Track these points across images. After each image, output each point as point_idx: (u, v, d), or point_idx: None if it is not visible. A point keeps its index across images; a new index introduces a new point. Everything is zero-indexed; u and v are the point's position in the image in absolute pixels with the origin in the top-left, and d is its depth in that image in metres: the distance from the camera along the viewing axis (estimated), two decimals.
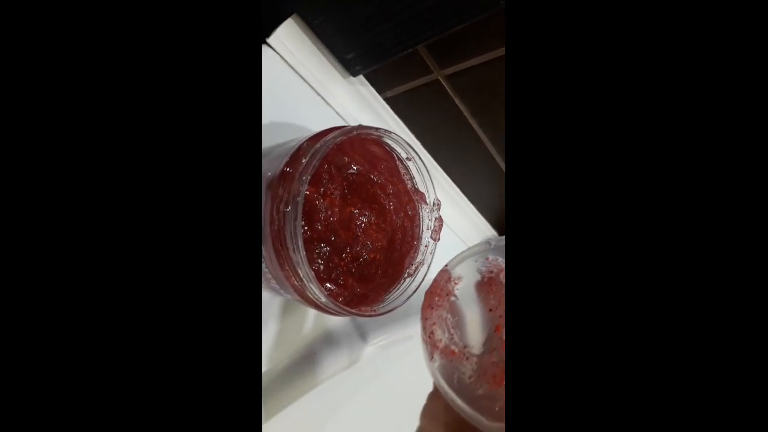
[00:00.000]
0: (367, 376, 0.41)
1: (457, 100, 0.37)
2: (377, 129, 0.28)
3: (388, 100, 0.40)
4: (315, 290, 0.25)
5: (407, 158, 0.32)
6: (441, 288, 0.26)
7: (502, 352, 0.22)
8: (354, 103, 0.40)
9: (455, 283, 0.26)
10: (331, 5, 0.32)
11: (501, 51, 0.31)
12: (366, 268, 0.29)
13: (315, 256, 0.27)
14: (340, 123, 0.39)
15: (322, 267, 0.27)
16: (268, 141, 0.33)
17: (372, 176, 0.30)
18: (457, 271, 0.26)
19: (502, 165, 0.40)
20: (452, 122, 0.39)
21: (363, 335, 0.39)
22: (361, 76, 0.39)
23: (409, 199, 0.33)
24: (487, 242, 0.26)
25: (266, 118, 0.35)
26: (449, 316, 0.25)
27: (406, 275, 0.32)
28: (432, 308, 0.26)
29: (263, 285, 0.30)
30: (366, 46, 0.35)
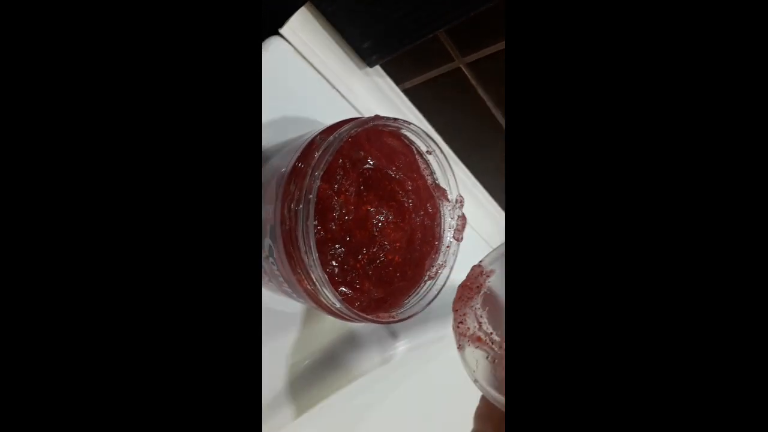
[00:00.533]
0: (399, 377, 0.40)
1: (480, 90, 0.35)
2: (395, 120, 0.26)
3: (407, 92, 0.38)
4: (329, 295, 0.23)
5: (427, 151, 0.30)
6: (473, 281, 0.26)
7: None
8: (371, 96, 0.38)
9: (487, 276, 0.26)
10: None
11: None
12: (383, 270, 0.27)
13: (329, 258, 0.25)
14: (356, 116, 0.37)
15: (336, 270, 0.26)
16: (281, 136, 0.32)
17: (390, 171, 0.28)
18: (490, 266, 0.27)
19: None
20: (475, 114, 0.37)
21: (394, 334, 0.38)
22: (378, 67, 0.37)
23: (429, 196, 0.31)
24: None
25: (279, 112, 0.33)
26: (479, 306, 0.25)
27: (426, 278, 0.30)
28: (463, 300, 0.26)
29: (275, 289, 0.28)
30: (383, 34, 0.33)
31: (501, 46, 0.31)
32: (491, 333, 0.24)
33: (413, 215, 0.29)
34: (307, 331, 0.34)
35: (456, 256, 0.30)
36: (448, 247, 0.31)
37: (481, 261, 0.27)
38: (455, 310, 0.26)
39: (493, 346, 0.23)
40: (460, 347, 0.24)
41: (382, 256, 0.27)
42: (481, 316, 0.25)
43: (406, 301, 0.28)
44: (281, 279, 0.26)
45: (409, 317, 0.27)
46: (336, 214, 0.25)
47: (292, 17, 0.32)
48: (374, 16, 0.31)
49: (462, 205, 0.31)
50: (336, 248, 0.25)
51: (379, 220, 0.27)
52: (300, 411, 0.32)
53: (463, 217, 0.31)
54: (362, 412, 0.37)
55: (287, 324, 0.33)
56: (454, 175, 0.30)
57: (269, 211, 0.24)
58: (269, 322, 0.31)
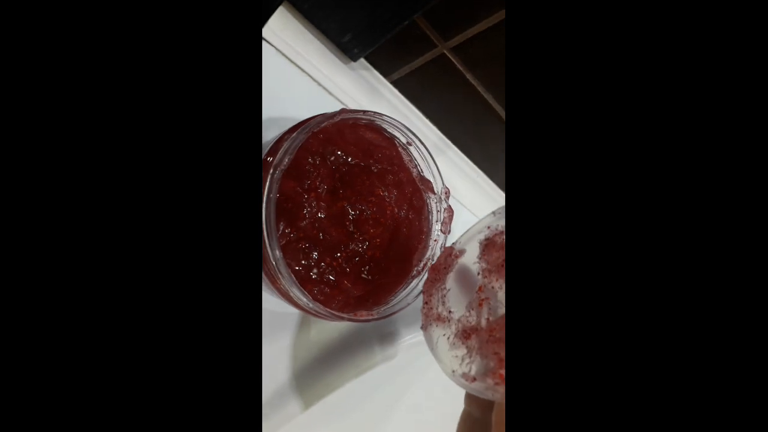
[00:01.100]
0: (400, 373, 0.39)
1: (468, 75, 0.33)
2: (365, 112, 0.26)
3: (395, 83, 0.37)
4: (298, 294, 0.22)
5: (407, 143, 0.29)
6: (442, 263, 0.26)
7: (480, 310, 0.22)
8: (358, 90, 0.37)
9: (456, 257, 0.26)
10: None
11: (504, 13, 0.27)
12: (363, 267, 0.26)
13: (301, 257, 0.24)
14: None
15: (314, 269, 0.25)
16: (267, 137, 0.32)
17: (367, 165, 0.27)
18: (461, 246, 0.26)
19: None
20: (465, 99, 0.35)
21: (395, 331, 0.37)
22: (363, 61, 0.36)
23: (415, 189, 0.29)
24: (492, 213, 0.26)
25: (266, 113, 0.33)
26: (444, 287, 0.25)
27: (414, 273, 0.29)
28: (431, 282, 0.26)
29: (270, 291, 0.28)
30: (361, 25, 0.32)
31: (482, 26, 0.29)
32: (451, 312, 0.24)
33: (396, 209, 0.28)
34: (307, 330, 0.34)
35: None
36: (435, 240, 0.29)
37: (453, 243, 0.27)
38: (424, 292, 0.26)
39: (451, 324, 0.23)
40: (424, 327, 0.25)
41: (362, 253, 0.27)
42: (444, 296, 0.25)
43: (392, 298, 0.27)
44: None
45: (391, 314, 0.26)
46: (307, 212, 0.24)
47: (271, 18, 0.32)
48: (350, 8, 0.31)
49: (448, 197, 0.29)
50: (308, 247, 0.24)
51: (357, 217, 0.26)
52: (302, 408, 0.32)
53: (449, 209, 0.29)
54: (364, 409, 0.37)
55: (287, 324, 0.33)
56: (437, 166, 0.29)
57: None
58: (269, 322, 0.32)
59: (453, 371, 0.22)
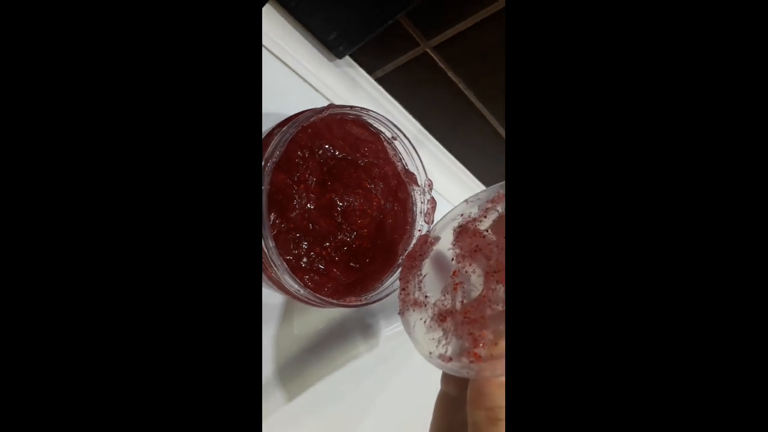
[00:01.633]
0: (384, 362, 0.40)
1: (449, 73, 0.35)
2: (352, 107, 0.27)
3: (380, 81, 0.38)
4: (290, 282, 0.24)
5: (392, 137, 0.30)
6: (418, 249, 0.27)
7: (455, 294, 0.23)
8: (344, 87, 0.38)
9: (431, 244, 0.27)
10: None
11: (485, 11, 0.28)
12: (352, 256, 0.28)
13: (292, 246, 0.25)
14: None
15: (304, 258, 0.26)
16: None
17: (354, 159, 0.28)
18: (436, 233, 0.27)
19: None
20: (448, 97, 0.36)
21: (378, 321, 0.38)
22: (348, 58, 0.37)
23: (400, 182, 0.31)
24: (465, 201, 0.26)
25: None
26: (420, 273, 0.26)
27: (400, 261, 0.30)
28: (408, 268, 0.27)
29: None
30: (346, 24, 0.33)
31: (463, 25, 0.31)
32: (427, 296, 0.24)
33: (381, 201, 0.29)
34: (291, 322, 0.35)
35: None
36: (419, 230, 0.31)
37: (428, 231, 0.27)
38: (401, 279, 0.26)
39: (427, 308, 0.24)
40: (401, 312, 0.25)
41: (350, 243, 0.28)
42: (420, 282, 0.25)
43: (378, 285, 0.29)
44: None
45: (380, 299, 0.28)
46: (296, 204, 0.25)
47: None
48: (336, 7, 0.32)
49: (431, 189, 0.31)
50: (299, 236, 0.26)
51: (345, 208, 0.27)
52: (286, 399, 0.32)
53: (432, 201, 0.31)
54: (348, 398, 0.38)
55: (271, 315, 0.34)
56: (420, 159, 0.30)
57: None
58: None
59: (430, 353, 0.22)
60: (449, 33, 0.32)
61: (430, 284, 0.25)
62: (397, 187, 0.30)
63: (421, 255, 0.27)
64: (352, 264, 0.28)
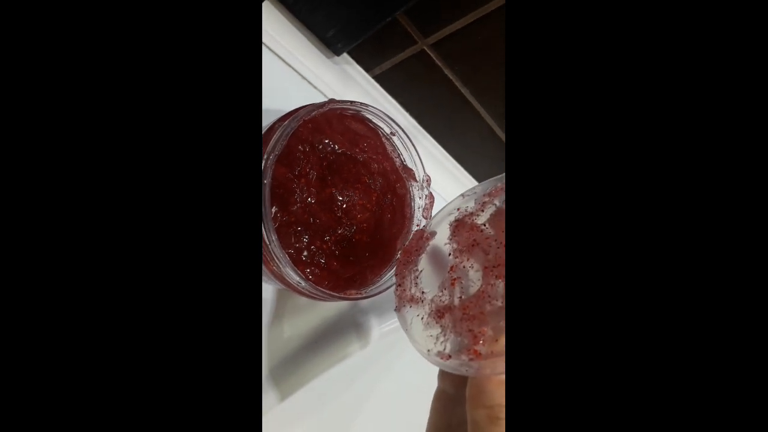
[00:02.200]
0: (379, 359, 0.40)
1: (446, 71, 0.35)
2: (352, 102, 0.27)
3: (377, 78, 0.39)
4: (292, 274, 0.24)
5: (391, 133, 0.30)
6: (414, 245, 0.27)
7: (453, 290, 0.23)
8: (341, 84, 0.38)
9: (427, 239, 0.26)
10: None
11: (483, 10, 0.29)
12: (351, 250, 0.28)
13: (293, 240, 0.26)
14: None
15: (305, 251, 0.26)
16: None
17: (354, 155, 0.29)
18: (432, 228, 0.27)
19: (502, 135, 0.38)
20: (444, 94, 0.37)
21: (372, 318, 0.38)
22: (345, 55, 0.37)
23: (398, 178, 0.31)
24: (461, 196, 0.26)
25: None
26: (417, 268, 0.26)
27: (398, 256, 0.30)
28: (404, 264, 0.26)
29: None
30: (345, 21, 0.33)
31: (460, 24, 0.31)
32: (424, 292, 0.24)
33: (381, 196, 0.30)
34: (283, 320, 0.35)
35: None
36: (417, 225, 0.31)
37: (424, 226, 0.27)
38: (396, 274, 0.26)
39: (424, 305, 0.24)
40: (397, 308, 0.25)
41: (350, 237, 0.28)
42: (417, 277, 0.25)
43: (377, 279, 0.29)
44: None
45: (379, 293, 0.28)
46: (297, 198, 0.25)
47: None
48: (334, 5, 0.32)
49: (429, 184, 0.31)
50: (300, 230, 0.26)
51: (344, 202, 0.28)
52: (281, 397, 0.32)
53: (430, 196, 0.31)
54: (342, 396, 0.38)
55: (264, 312, 0.34)
56: (418, 155, 0.30)
57: None
58: None
59: (428, 350, 0.22)
60: (447, 31, 0.32)
61: (427, 280, 0.25)
62: (396, 182, 0.31)
63: (417, 250, 0.26)
64: (351, 258, 0.28)
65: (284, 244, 0.25)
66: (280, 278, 0.25)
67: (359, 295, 0.27)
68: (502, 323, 0.20)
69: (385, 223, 0.30)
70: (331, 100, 0.26)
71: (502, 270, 0.21)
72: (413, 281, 0.25)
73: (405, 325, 0.24)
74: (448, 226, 0.26)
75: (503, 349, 0.19)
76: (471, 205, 0.26)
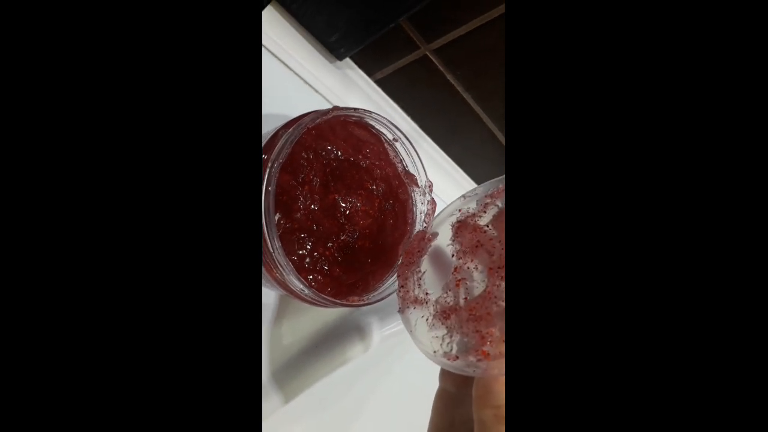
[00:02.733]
0: (382, 363, 0.41)
1: (449, 76, 0.35)
2: (355, 109, 0.27)
3: (379, 82, 0.39)
4: (295, 282, 0.24)
5: (393, 139, 0.30)
6: (416, 246, 0.27)
7: (457, 291, 0.23)
8: (344, 89, 0.38)
9: (429, 240, 0.27)
10: None
11: (486, 16, 0.29)
12: (354, 256, 0.28)
13: (296, 246, 0.26)
14: None
15: (307, 258, 0.27)
16: None
17: (357, 161, 0.29)
18: (434, 229, 0.27)
19: (503, 139, 0.38)
20: (446, 99, 0.37)
21: (375, 321, 0.38)
22: (348, 60, 0.37)
23: (400, 183, 0.31)
24: (462, 197, 0.26)
25: None
26: (419, 269, 0.26)
27: (400, 261, 0.31)
28: (406, 265, 0.26)
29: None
30: (348, 26, 0.33)
31: (463, 29, 0.31)
32: (428, 293, 0.24)
33: (383, 202, 0.30)
34: (284, 324, 0.35)
35: None
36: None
37: (425, 227, 0.27)
38: (399, 276, 0.26)
39: (428, 306, 0.24)
40: (401, 310, 0.25)
41: (352, 243, 0.28)
42: (420, 279, 0.25)
43: (379, 285, 0.29)
44: None
45: (381, 299, 0.28)
46: (301, 205, 0.26)
47: None
48: (338, 9, 0.32)
49: (431, 190, 0.31)
50: (303, 237, 0.26)
51: (347, 209, 0.28)
52: (284, 400, 0.32)
53: (432, 202, 0.31)
54: (344, 399, 0.38)
55: (266, 316, 0.34)
56: (421, 161, 0.31)
57: None
58: None
59: (434, 351, 0.22)
60: (449, 37, 0.32)
61: (431, 281, 0.25)
62: (398, 188, 0.31)
63: (419, 251, 0.26)
64: (353, 264, 0.28)
65: (288, 251, 0.25)
66: (284, 285, 0.25)
67: (361, 302, 0.27)
68: None
69: (388, 228, 0.30)
70: (335, 108, 0.26)
71: None
72: (416, 282, 0.25)
73: (409, 327, 0.24)
74: (450, 227, 0.26)
75: None
76: (473, 206, 0.26)
